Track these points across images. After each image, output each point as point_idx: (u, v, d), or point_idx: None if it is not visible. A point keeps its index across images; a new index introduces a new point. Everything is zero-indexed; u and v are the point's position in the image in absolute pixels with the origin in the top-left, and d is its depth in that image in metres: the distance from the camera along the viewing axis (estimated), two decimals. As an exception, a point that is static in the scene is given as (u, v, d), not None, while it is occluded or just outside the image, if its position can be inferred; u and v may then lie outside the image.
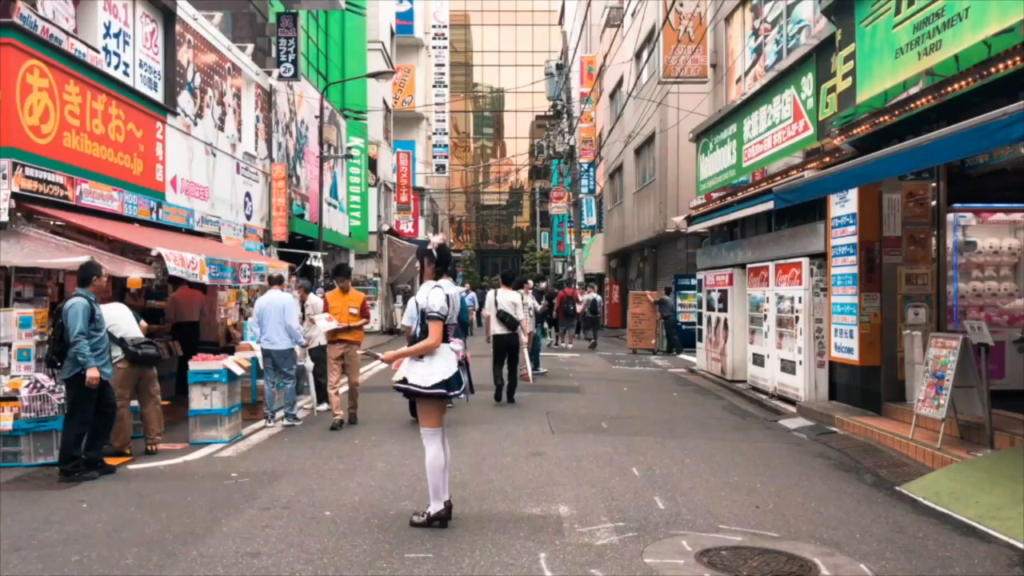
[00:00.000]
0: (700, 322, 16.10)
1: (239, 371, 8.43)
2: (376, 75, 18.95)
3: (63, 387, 6.98)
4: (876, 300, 9.61)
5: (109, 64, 10.47)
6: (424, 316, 5.24)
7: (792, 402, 11.09)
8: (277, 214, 16.80)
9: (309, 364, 10.78)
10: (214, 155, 13.90)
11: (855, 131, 8.68)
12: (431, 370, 5.18)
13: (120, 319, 7.67)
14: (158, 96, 11.89)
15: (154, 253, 8.33)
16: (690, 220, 16.22)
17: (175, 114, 12.24)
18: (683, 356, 19.54)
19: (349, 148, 21.59)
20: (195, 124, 13.07)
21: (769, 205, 11.03)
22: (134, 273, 8.65)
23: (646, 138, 24.98)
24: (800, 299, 10.96)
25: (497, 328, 11.58)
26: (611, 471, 6.99)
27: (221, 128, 14.32)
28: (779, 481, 6.74)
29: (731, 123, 14.07)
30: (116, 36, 10.69)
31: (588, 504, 5.87)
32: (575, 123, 33.11)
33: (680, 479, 6.73)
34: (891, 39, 7.85)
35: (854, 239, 9.70)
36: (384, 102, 31.30)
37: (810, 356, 10.88)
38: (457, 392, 5.32)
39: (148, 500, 5.98)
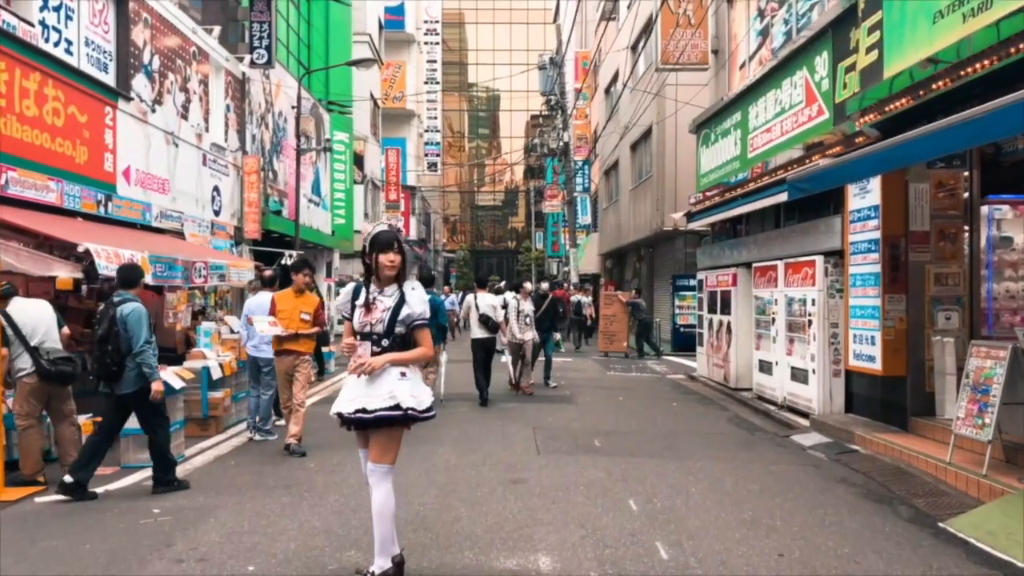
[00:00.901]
0: (700, 325, 15.07)
1: (178, 384, 7.36)
2: (357, 63, 17.87)
3: (118, 401, 6.29)
4: (901, 302, 8.59)
5: (47, 40, 9.40)
6: (409, 324, 4.18)
7: (804, 414, 10.07)
8: (249, 210, 15.74)
9: None
10: (176, 145, 12.84)
11: (884, 110, 7.64)
12: (420, 388, 4.19)
13: (41, 321, 6.63)
14: (108, 79, 10.83)
15: (81, 249, 7.27)
16: (690, 217, 15.19)
17: (128, 99, 11.19)
18: (681, 361, 18.51)
19: (327, 141, 20.51)
20: (153, 111, 12.01)
21: (780, 198, 9.99)
22: (62, 272, 7.58)
23: (643, 132, 23.95)
24: (813, 301, 9.94)
25: (478, 332, 11.70)
26: (604, 504, 5.95)
27: (185, 116, 13.26)
28: (801, 517, 5.70)
29: (735, 111, 13.05)
30: (56, 10, 9.62)
31: (575, 553, 4.82)
32: (569, 119, 32.07)
33: (685, 515, 5.69)
34: (928, 1, 6.82)
35: (876, 234, 8.68)
36: (372, 96, 30.25)
37: (825, 364, 9.86)
38: (434, 413, 4.31)
39: (32, 550, 4.89)
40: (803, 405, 10.19)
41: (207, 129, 14.20)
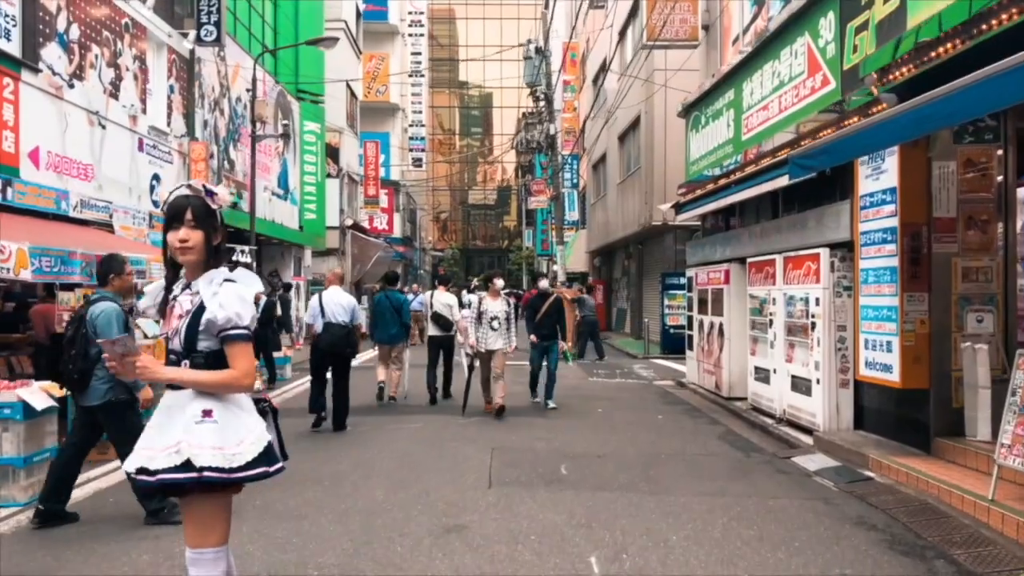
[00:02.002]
0: (690, 327, 13.75)
1: (42, 404, 5.98)
2: (317, 42, 16.49)
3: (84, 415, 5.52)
4: (923, 302, 7.27)
5: (-75, -3, 8.04)
6: (222, 335, 2.79)
7: (807, 430, 8.76)
8: (197, 201, 14.32)
9: None
10: (102, 126, 11.47)
11: (912, 66, 6.31)
12: (238, 436, 2.73)
13: None
14: (11, 47, 9.45)
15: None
16: (678, 208, 13.88)
17: (35, 70, 9.81)
18: (671, 364, 17.19)
19: (285, 126, 19.12)
20: (70, 86, 10.63)
21: (779, 182, 8.70)
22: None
23: (631, 122, 22.64)
24: (817, 300, 8.62)
25: (432, 330, 11.49)
26: (558, 563, 4.61)
27: (114, 95, 11.88)
28: (813, 582, 4.38)
29: (727, 89, 11.74)
30: (-63, -38, 8.26)
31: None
32: (556, 113, 30.75)
33: (661, 580, 4.36)
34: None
35: (892, 221, 7.36)
36: (347, 86, 28.84)
37: (830, 373, 8.54)
38: (279, 465, 2.89)
39: None
40: (805, 419, 8.87)
41: (144, 111, 12.81)
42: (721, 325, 11.91)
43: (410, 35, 44.14)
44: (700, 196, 12.50)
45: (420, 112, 45.32)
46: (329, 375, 9.39)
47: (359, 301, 28.15)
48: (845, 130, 6.60)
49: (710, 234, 13.68)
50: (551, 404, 10.85)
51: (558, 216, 32.64)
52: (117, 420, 5.41)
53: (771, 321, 9.87)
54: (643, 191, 21.06)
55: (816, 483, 6.86)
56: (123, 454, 5.32)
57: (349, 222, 27.66)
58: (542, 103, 30.74)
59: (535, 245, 53.88)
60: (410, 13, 44.62)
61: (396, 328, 10.84)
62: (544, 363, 11.10)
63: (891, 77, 6.84)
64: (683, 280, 19.40)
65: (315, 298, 9.60)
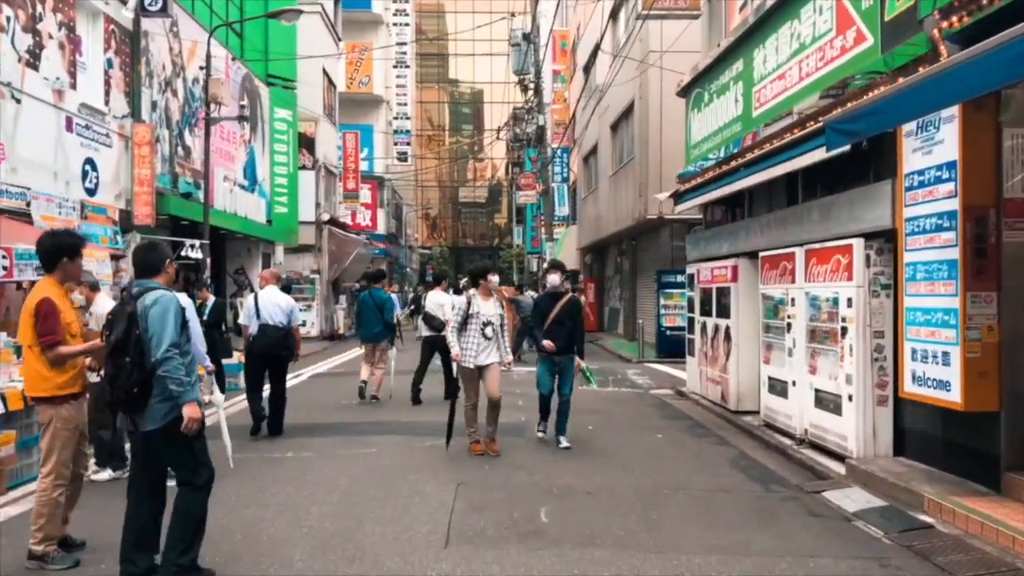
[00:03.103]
0: (691, 330, 12.32)
1: None
2: (277, 15, 15.00)
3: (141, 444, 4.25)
4: (991, 303, 5.84)
5: None
6: None
7: (836, 455, 7.35)
8: (140, 190, 12.85)
9: None
10: (16, 100, 9.96)
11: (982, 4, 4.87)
12: None
13: None
14: None
15: None
16: (677, 197, 12.44)
17: (-78, 29, 8.31)
18: (668, 370, 15.77)
19: (243, 107, 17.60)
20: (-28, 51, 9.13)
21: (809, 158, 7.28)
22: None
23: (624, 110, 21.21)
24: (849, 301, 7.20)
25: (423, 330, 11.09)
26: None
27: (33, 65, 10.37)
28: None
29: (735, 60, 10.32)
30: None
31: None
32: (546, 105, 29.29)
33: None
34: None
35: (951, 204, 5.93)
36: (325, 73, 27.31)
37: (865, 388, 7.12)
38: None
39: None
40: (833, 442, 7.46)
41: (73, 86, 11.30)
42: (728, 328, 10.48)
43: (395, 24, 42.61)
44: (703, 183, 11.06)
45: (405, 104, 43.79)
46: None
47: (337, 300, 26.76)
48: (902, 83, 5.16)
49: (714, 226, 12.25)
50: (564, 443, 8.02)
51: (547, 211, 31.22)
52: (179, 441, 4.12)
53: (789, 325, 8.45)
54: (637, 183, 19.63)
55: (860, 531, 5.43)
56: (189, 479, 4.20)
57: (326, 217, 26.14)
58: (531, 92, 29.26)
59: (524, 242, 52.40)
60: (395, 2, 43.10)
61: (379, 327, 10.98)
62: (555, 385, 8.35)
63: (953, 21, 5.42)
64: (681, 278, 17.98)
65: (250, 298, 9.13)
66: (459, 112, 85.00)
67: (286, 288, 23.85)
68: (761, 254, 9.34)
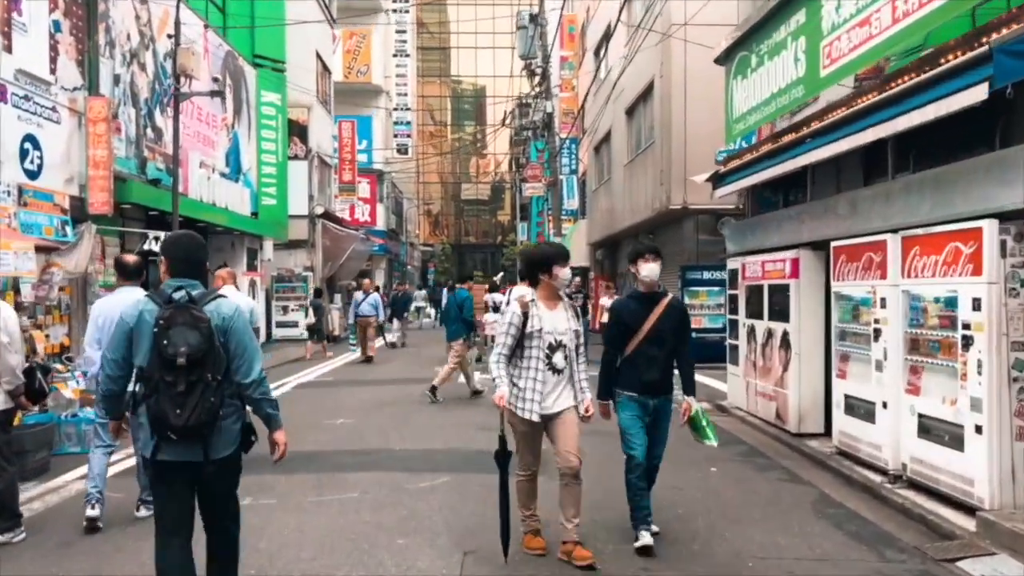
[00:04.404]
0: (733, 334, 10.61)
1: None
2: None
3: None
4: None
5: None
6: None
7: (954, 502, 5.64)
8: (95, 173, 11.12)
9: None
10: (-73, 60, 8.26)
11: None
12: None
13: None
14: None
15: None
16: (717, 180, 10.72)
17: None
18: (697, 378, 13.96)
19: (217, 80, 15.84)
20: None
21: (927, 113, 5.53)
22: None
23: (641, 92, 19.45)
24: (976, 302, 5.48)
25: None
26: None
27: (-48, 20, 8.67)
28: None
29: (794, 11, 8.58)
30: None
31: None
32: (554, 90, 27.52)
33: None
34: None
35: None
36: (319, 57, 25.60)
37: (1000, 417, 5.40)
38: None
39: None
40: (951, 486, 5.73)
41: (8, 48, 9.59)
42: (785, 334, 8.76)
43: (394, 11, 40.90)
44: (754, 160, 9.33)
45: (405, 95, 42.08)
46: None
47: (332, 300, 25.03)
48: None
49: (763, 210, 10.52)
50: (645, 536, 4.87)
51: (555, 205, 29.41)
52: (237, 472, 3.73)
53: (877, 332, 6.73)
54: (657, 170, 17.88)
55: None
56: (232, 517, 3.76)
57: (319, 210, 24.41)
58: (538, 78, 27.50)
59: (530, 238, 50.63)
60: (395, -12, 41.41)
61: (455, 324, 11.48)
62: (641, 437, 5.10)
63: None
64: (708, 275, 16.32)
65: None
66: (461, 108, 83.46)
67: (279, 281, 22.55)
68: (833, 244, 7.61)
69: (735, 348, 10.48)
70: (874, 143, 6.91)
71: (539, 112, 27.13)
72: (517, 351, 4.76)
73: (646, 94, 19.33)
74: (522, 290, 4.92)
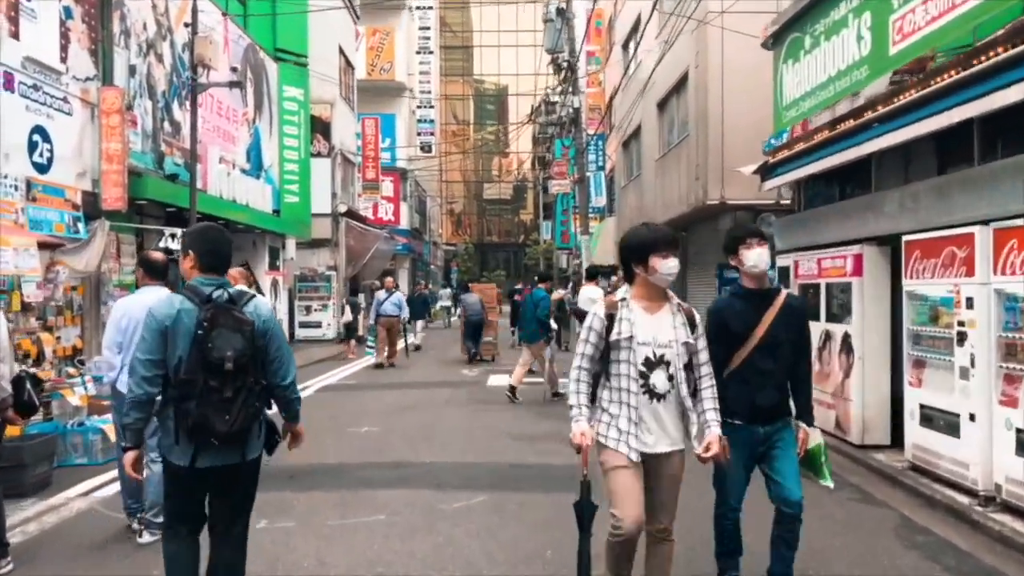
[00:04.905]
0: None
1: None
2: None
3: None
4: None
5: None
6: None
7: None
8: (109, 168, 10.62)
9: None
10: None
11: None
12: None
13: None
14: None
15: None
16: (766, 171, 10.03)
17: None
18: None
19: (235, 70, 15.30)
20: None
21: None
22: None
23: (675, 83, 18.71)
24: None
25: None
26: None
27: (-45, 3, 8.16)
28: None
29: (858, -15, 7.88)
30: None
31: None
32: (580, 80, 26.82)
33: None
34: None
35: None
36: (342, 52, 25.09)
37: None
38: None
39: None
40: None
41: (15, 34, 9.09)
42: (846, 337, 8.05)
43: (418, 8, 40.39)
44: (810, 148, 8.63)
45: (429, 92, 41.58)
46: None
47: (356, 297, 24.51)
48: None
49: (813, 206, 9.82)
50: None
51: (582, 202, 28.73)
52: (259, 468, 3.63)
53: (961, 336, 6.03)
54: (692, 164, 17.15)
55: None
56: (245, 516, 3.61)
57: (343, 208, 23.90)
58: (565, 72, 26.83)
59: (554, 238, 49.85)
60: (418, -15, 40.94)
61: (532, 326, 11.25)
62: (741, 478, 4.16)
63: None
64: (746, 273, 15.62)
65: None
66: (484, 108, 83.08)
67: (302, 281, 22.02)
68: (906, 238, 6.90)
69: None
70: (956, 126, 6.20)
71: (566, 108, 26.39)
72: (598, 368, 3.63)
73: (679, 86, 18.59)
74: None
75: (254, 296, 3.56)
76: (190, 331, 3.27)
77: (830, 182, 9.39)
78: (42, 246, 8.34)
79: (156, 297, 5.23)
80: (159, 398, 3.36)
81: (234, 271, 7.69)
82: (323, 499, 5.94)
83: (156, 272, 5.26)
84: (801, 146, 9.01)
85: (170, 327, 3.30)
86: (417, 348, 19.61)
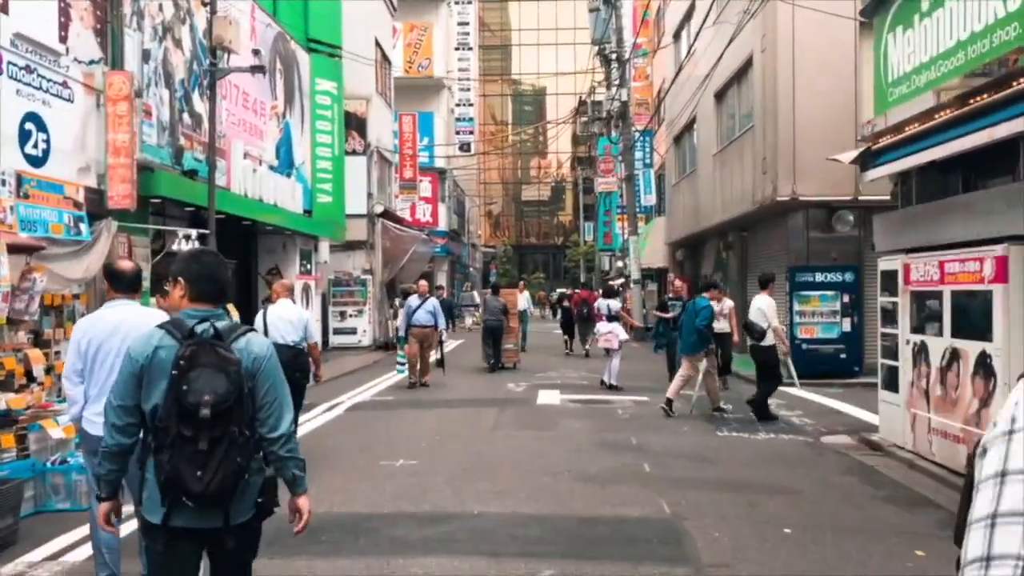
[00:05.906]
0: (889, 352, 8.44)
1: None
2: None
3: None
4: None
5: None
6: None
7: None
8: (116, 161, 9.51)
9: None
10: None
11: None
12: None
13: None
14: None
15: None
16: (870, 158, 8.57)
17: None
18: (814, 398, 11.71)
19: (257, 52, 14.11)
20: None
21: None
22: None
23: (737, 69, 17.25)
24: None
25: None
26: None
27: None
28: None
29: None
30: None
31: None
32: (628, 72, 25.40)
33: None
34: None
35: None
36: (378, 45, 23.96)
37: None
38: None
39: None
40: None
41: (4, 8, 7.99)
42: (983, 356, 6.58)
43: (456, 2, 39.25)
44: (929, 130, 7.17)
45: (468, 90, 40.42)
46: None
47: (391, 303, 23.35)
48: None
49: (924, 200, 8.33)
50: None
51: (630, 201, 27.32)
52: (255, 540, 3.06)
53: None
54: (757, 158, 15.69)
55: None
56: None
57: (379, 209, 22.75)
58: (614, 64, 25.44)
59: (596, 239, 48.38)
60: (457, -20, 39.82)
61: (692, 337, 10.53)
62: None
63: None
64: (820, 277, 14.12)
65: (258, 315, 7.94)
66: (522, 110, 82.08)
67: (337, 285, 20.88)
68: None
69: (891, 370, 8.31)
70: None
71: (614, 101, 25.00)
72: None
73: (742, 73, 17.13)
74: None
75: (249, 331, 3.05)
76: (167, 371, 2.82)
77: (950, 171, 7.90)
78: (26, 249, 7.20)
79: (122, 315, 4.10)
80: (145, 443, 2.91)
81: (278, 285, 8.11)
82: (351, 567, 4.67)
83: (123, 283, 4.18)
84: (915, 127, 7.55)
85: (146, 367, 2.85)
86: (440, 362, 14.75)
